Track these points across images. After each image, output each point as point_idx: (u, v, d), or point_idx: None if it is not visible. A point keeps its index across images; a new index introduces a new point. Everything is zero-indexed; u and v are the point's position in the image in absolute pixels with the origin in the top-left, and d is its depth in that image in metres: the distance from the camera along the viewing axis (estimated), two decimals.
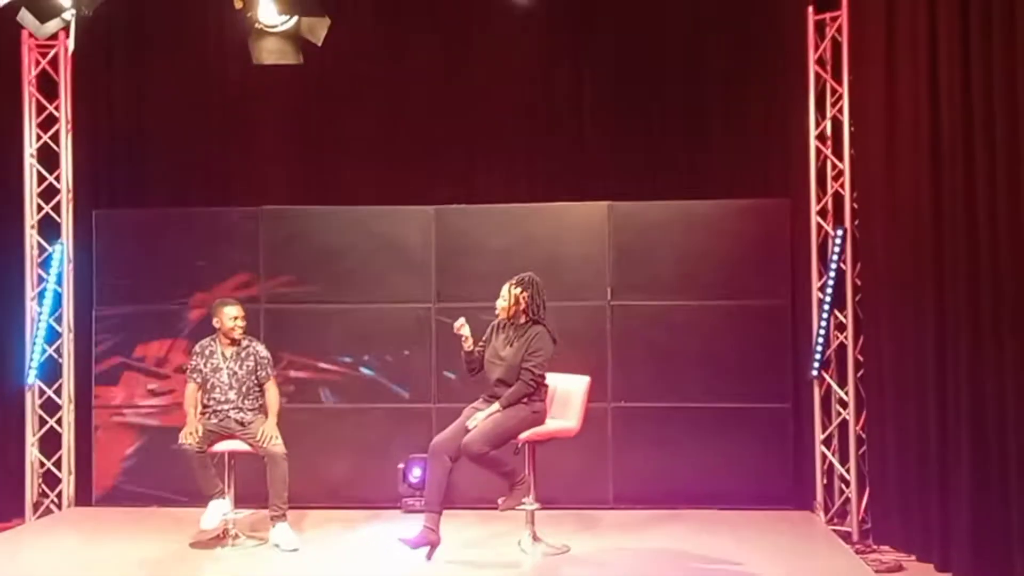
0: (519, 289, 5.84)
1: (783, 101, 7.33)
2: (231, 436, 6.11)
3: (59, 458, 7.18)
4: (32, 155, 7.20)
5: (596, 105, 7.65)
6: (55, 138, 7.22)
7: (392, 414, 7.18)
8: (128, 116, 7.70)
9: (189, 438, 5.95)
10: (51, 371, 7.23)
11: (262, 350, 6.35)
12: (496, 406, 5.71)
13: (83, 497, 7.25)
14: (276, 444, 6.01)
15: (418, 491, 6.72)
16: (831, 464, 6.79)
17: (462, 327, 5.89)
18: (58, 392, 7.21)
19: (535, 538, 5.90)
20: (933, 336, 5.78)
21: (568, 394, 6.03)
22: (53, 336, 7.21)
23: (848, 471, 6.64)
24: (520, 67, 7.68)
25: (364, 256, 7.24)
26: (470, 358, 5.94)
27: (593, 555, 5.83)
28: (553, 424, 5.92)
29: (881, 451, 6.35)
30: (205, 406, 6.16)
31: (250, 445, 6.09)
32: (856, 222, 6.67)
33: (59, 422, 7.19)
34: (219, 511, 6.00)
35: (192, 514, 6.62)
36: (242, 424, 6.12)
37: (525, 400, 5.75)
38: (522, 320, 5.84)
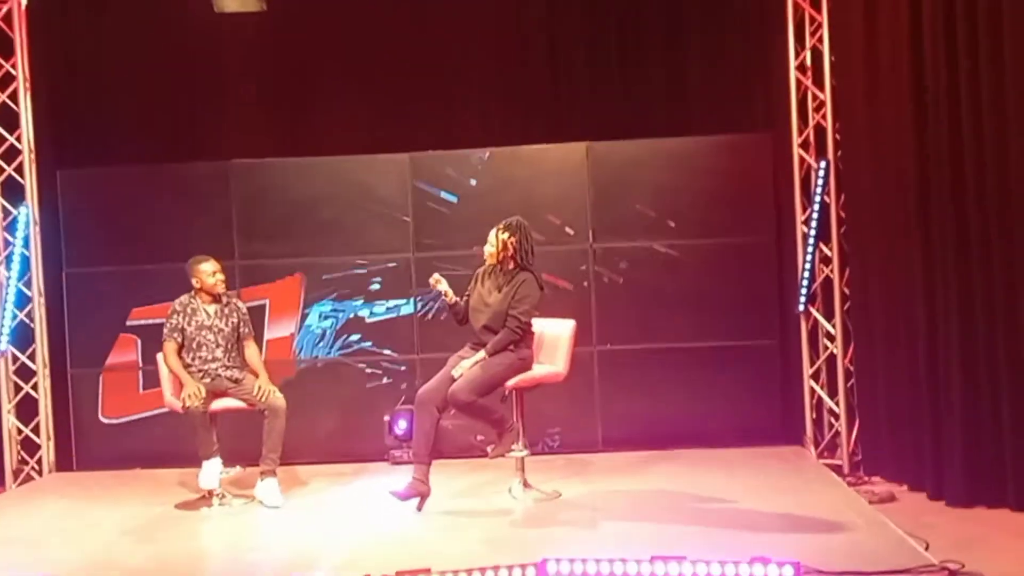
0: (507, 234, 5.72)
1: (761, 32, 7.20)
2: (224, 394, 5.99)
3: (37, 424, 7.04)
4: None
5: (569, 42, 7.51)
6: (13, 97, 6.98)
7: (376, 367, 7.07)
8: (88, 71, 7.50)
9: (193, 400, 5.80)
10: (23, 336, 7.06)
11: (242, 306, 6.25)
12: (482, 354, 5.62)
13: (64, 462, 7.13)
14: (278, 396, 5.94)
15: (404, 443, 6.66)
16: (820, 398, 6.77)
17: (438, 282, 5.78)
18: (32, 357, 7.06)
19: (526, 485, 5.85)
20: (920, 264, 5.74)
21: (554, 339, 5.94)
22: (23, 301, 7.04)
23: (837, 404, 6.61)
24: (490, 6, 7.49)
25: (339, 208, 7.09)
26: (455, 309, 5.84)
27: (585, 499, 5.79)
28: (540, 369, 5.84)
29: (870, 383, 6.33)
30: (189, 365, 6.02)
31: (244, 401, 5.99)
32: (839, 153, 6.58)
33: (35, 388, 7.04)
34: (216, 469, 5.91)
35: (177, 475, 6.57)
36: (234, 381, 6.02)
37: (511, 347, 5.65)
38: (510, 266, 5.72)
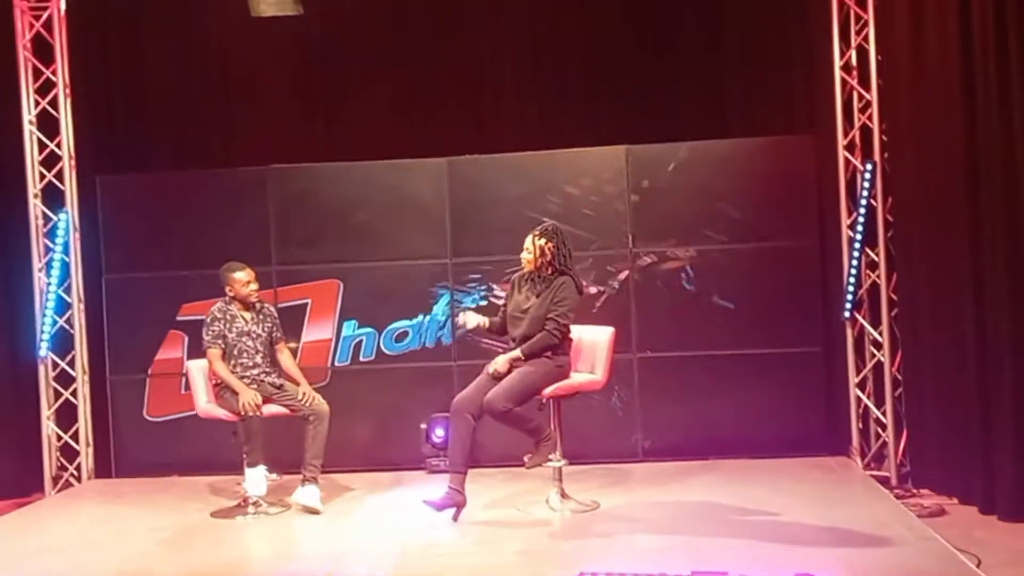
0: (543, 240, 5.64)
1: (805, 31, 7.05)
2: (268, 400, 5.97)
3: (76, 430, 7.06)
4: (31, 121, 7.00)
5: (608, 44, 7.42)
6: (54, 103, 7.01)
7: (412, 373, 7.01)
8: (127, 77, 7.54)
9: (251, 408, 5.77)
10: (63, 343, 7.09)
11: (273, 310, 6.26)
12: (518, 351, 5.52)
13: (102, 469, 7.15)
14: (322, 402, 5.94)
15: (442, 451, 6.59)
16: (866, 408, 6.59)
17: (465, 321, 5.73)
18: (72, 364, 7.08)
19: (563, 495, 5.75)
20: (970, 270, 5.57)
21: (592, 346, 5.84)
22: (63, 307, 7.07)
23: (884, 414, 6.44)
24: (527, 8, 7.44)
25: (376, 213, 7.04)
26: (492, 329, 5.79)
27: (624, 510, 5.67)
28: (578, 378, 5.74)
29: (918, 392, 6.15)
30: (231, 373, 5.98)
31: (287, 407, 5.96)
32: (886, 155, 6.41)
33: (74, 394, 7.07)
34: (264, 476, 5.89)
35: (214, 483, 6.56)
36: (277, 387, 6.00)
37: (548, 353, 5.56)
38: (548, 272, 5.64)
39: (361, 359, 7.04)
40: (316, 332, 7.05)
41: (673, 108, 7.30)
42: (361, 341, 7.04)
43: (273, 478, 6.15)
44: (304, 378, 6.11)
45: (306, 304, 7.06)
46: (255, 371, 6.00)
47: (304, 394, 5.95)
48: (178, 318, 7.04)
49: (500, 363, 5.53)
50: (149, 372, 7.09)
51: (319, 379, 6.84)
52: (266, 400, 5.96)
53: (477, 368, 5.80)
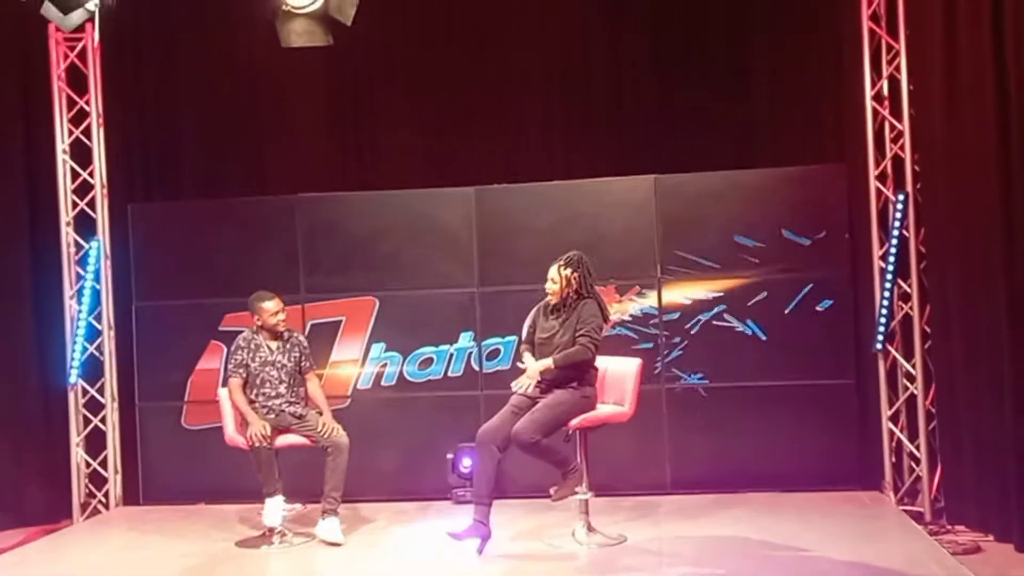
0: (568, 269, 5.63)
1: (835, 61, 7.00)
2: (287, 430, 5.96)
3: (105, 457, 7.09)
4: (64, 151, 7.09)
5: (635, 73, 7.39)
6: (87, 132, 7.09)
7: (438, 403, 6.99)
8: (159, 107, 7.60)
9: (259, 439, 5.77)
10: (93, 370, 7.13)
11: (303, 339, 6.23)
12: (549, 360, 5.47)
13: (131, 496, 7.16)
14: (341, 434, 5.90)
15: (468, 481, 6.54)
16: (899, 441, 6.48)
17: (523, 386, 5.61)
18: (101, 391, 7.12)
19: (590, 528, 5.68)
20: (1005, 302, 5.47)
21: (619, 377, 5.79)
22: (93, 334, 7.12)
23: (918, 448, 6.32)
24: (554, 37, 7.46)
25: (404, 241, 7.04)
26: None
27: (651, 544, 5.60)
28: (605, 409, 5.69)
29: (953, 426, 6.03)
30: (252, 402, 6.00)
31: (307, 438, 5.94)
32: (918, 186, 6.33)
33: (103, 421, 7.10)
34: (279, 507, 5.87)
35: (240, 511, 6.54)
36: (298, 417, 5.98)
37: (575, 384, 5.51)
38: (571, 300, 5.62)
39: (383, 384, 7.02)
40: (345, 351, 7.04)
41: (702, 137, 7.24)
42: (385, 365, 7.02)
43: (296, 508, 6.12)
44: (328, 407, 6.10)
45: (340, 321, 7.05)
46: (278, 401, 6.00)
47: (324, 424, 5.93)
48: (220, 328, 7.03)
49: (531, 372, 5.48)
50: (189, 382, 7.10)
51: (339, 402, 6.82)
52: (286, 430, 5.94)
53: (503, 398, 5.75)
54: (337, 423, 5.99)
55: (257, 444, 5.77)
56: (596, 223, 6.87)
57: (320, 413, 6.05)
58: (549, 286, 5.67)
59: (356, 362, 7.04)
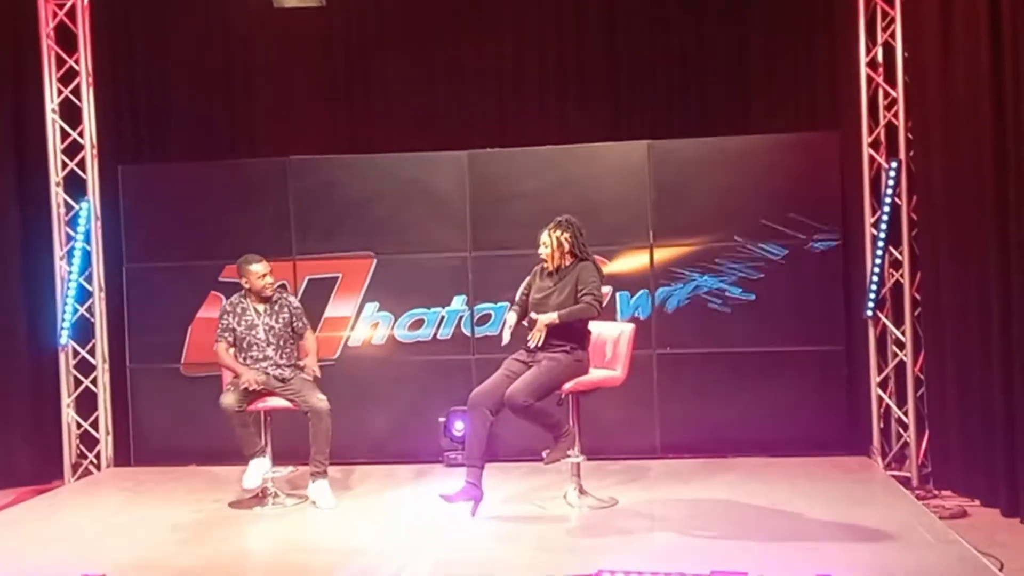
0: (559, 231, 5.63)
1: (830, 26, 7.00)
2: (270, 394, 5.96)
3: (96, 419, 7.09)
4: (54, 110, 7.01)
5: (630, 39, 7.37)
6: (76, 92, 7.02)
7: (430, 366, 7.00)
8: (149, 66, 7.55)
9: (253, 384, 5.78)
10: (84, 331, 7.11)
11: (294, 300, 6.22)
12: (554, 315, 5.47)
13: (121, 457, 7.17)
14: (320, 400, 5.87)
15: (460, 444, 6.56)
16: (888, 407, 6.54)
17: (506, 320, 5.70)
18: (92, 352, 7.10)
19: (581, 491, 5.72)
20: (996, 271, 5.50)
21: (612, 342, 5.81)
22: (84, 295, 7.09)
23: (906, 414, 6.38)
24: (550, 1, 7.38)
25: (396, 205, 7.02)
26: (520, 318, 5.73)
27: (642, 507, 5.64)
28: (598, 373, 5.71)
29: (941, 393, 6.10)
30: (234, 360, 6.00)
31: (291, 401, 5.95)
32: (911, 153, 6.35)
33: (94, 382, 7.09)
34: (260, 470, 5.88)
35: (231, 472, 6.54)
36: (282, 380, 5.97)
37: (568, 348, 5.53)
38: (567, 262, 5.62)
39: (373, 343, 7.02)
40: (339, 309, 7.03)
41: (697, 103, 7.25)
42: (377, 324, 7.02)
43: (286, 471, 6.14)
44: (316, 358, 6.08)
45: (337, 278, 7.04)
46: (264, 363, 5.98)
47: (306, 366, 5.94)
48: (220, 279, 7.00)
49: (539, 324, 5.46)
50: (189, 331, 7.08)
51: (329, 358, 6.81)
52: (269, 393, 5.94)
53: (495, 361, 5.77)
54: (317, 389, 5.93)
55: (252, 387, 5.78)
56: (589, 188, 6.86)
57: (303, 369, 6.02)
58: (542, 250, 5.67)
59: (348, 320, 7.03)
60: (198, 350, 7.01)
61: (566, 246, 5.62)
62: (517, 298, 5.88)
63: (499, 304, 6.89)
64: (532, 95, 7.46)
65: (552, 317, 5.48)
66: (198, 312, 7.09)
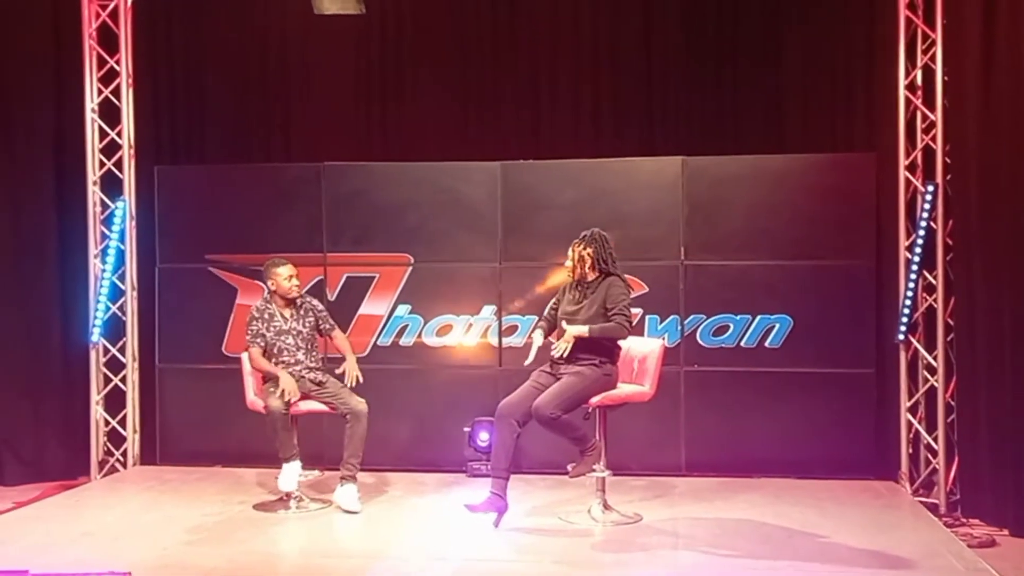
0: (582, 246, 5.62)
1: (869, 49, 6.95)
2: (307, 397, 5.98)
3: (124, 416, 7.13)
4: (93, 110, 7.09)
5: (666, 54, 7.35)
6: (116, 92, 7.09)
7: (456, 375, 7.00)
8: (188, 70, 7.61)
9: (291, 394, 5.81)
10: (115, 329, 7.17)
11: (317, 304, 6.24)
12: (585, 328, 5.45)
13: (148, 455, 7.21)
14: (360, 402, 5.91)
15: (484, 455, 6.56)
16: (917, 433, 6.48)
17: (534, 340, 5.66)
18: (122, 350, 7.16)
19: (606, 506, 5.70)
20: None
21: (641, 357, 5.79)
22: (116, 294, 7.15)
23: (936, 440, 6.31)
24: (586, 16, 7.42)
25: (428, 213, 7.04)
26: (547, 335, 5.71)
27: (667, 524, 5.61)
28: (626, 388, 5.69)
29: (972, 419, 6.02)
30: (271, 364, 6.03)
31: (327, 404, 5.96)
32: (948, 177, 6.29)
33: (123, 380, 7.14)
34: (295, 472, 5.89)
35: (256, 475, 6.58)
36: (317, 384, 5.99)
37: (597, 361, 5.51)
38: (591, 277, 5.61)
39: (401, 343, 7.03)
40: (373, 307, 7.03)
41: (732, 121, 7.22)
42: (406, 326, 7.03)
43: (312, 475, 6.15)
44: (354, 357, 6.08)
45: (373, 278, 7.05)
46: (297, 368, 6.01)
47: (347, 372, 5.94)
48: (256, 268, 6.89)
49: (568, 336, 5.44)
50: (231, 317, 7.09)
51: (360, 350, 6.81)
52: (305, 396, 5.97)
53: (522, 373, 5.77)
54: (359, 370, 5.97)
55: (288, 398, 5.80)
56: (621, 202, 6.85)
57: (342, 378, 6.02)
58: (567, 263, 5.68)
59: (380, 319, 7.02)
60: (236, 340, 6.97)
61: (588, 261, 5.60)
62: (545, 313, 5.87)
63: (526, 316, 6.88)
64: (567, 108, 7.45)
65: (582, 330, 5.46)
66: (237, 299, 7.10)
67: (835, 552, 5.08)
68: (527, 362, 5.62)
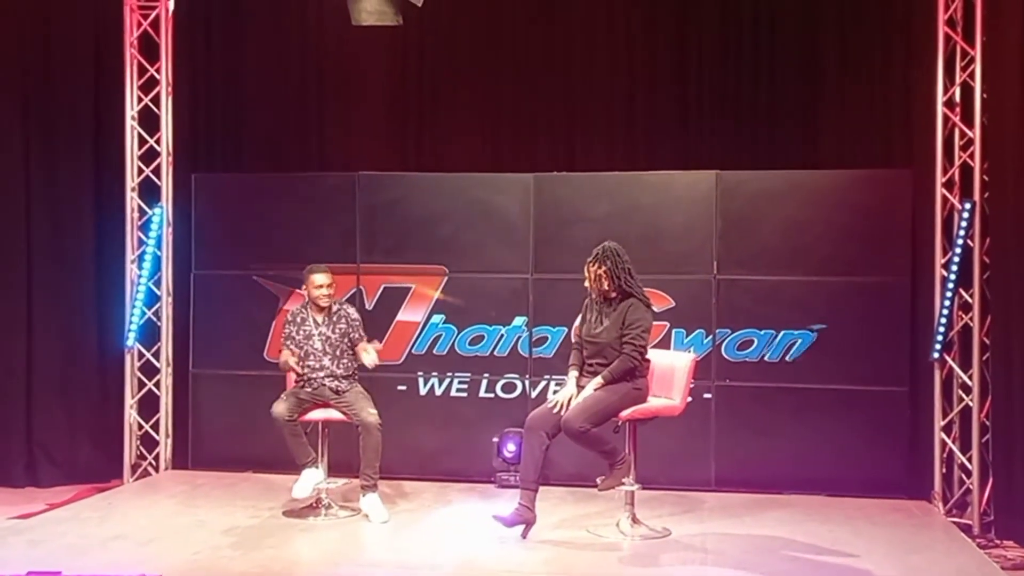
0: (596, 265, 5.58)
1: (907, 64, 6.91)
2: (324, 405, 6.01)
3: (157, 421, 7.21)
4: (133, 117, 7.19)
5: (702, 68, 7.33)
6: (156, 100, 7.19)
7: (485, 384, 7.01)
8: (227, 79, 7.68)
9: (282, 368, 5.99)
10: (150, 334, 7.25)
11: (352, 312, 6.25)
12: (598, 380, 5.48)
13: (180, 460, 7.27)
14: (371, 414, 5.91)
15: (512, 466, 6.56)
16: (951, 452, 6.41)
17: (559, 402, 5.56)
18: (157, 355, 7.23)
19: (635, 520, 5.68)
20: None
21: (671, 371, 5.77)
22: (152, 299, 7.23)
23: (970, 460, 6.24)
24: (621, 29, 7.43)
25: (461, 224, 7.06)
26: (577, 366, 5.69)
27: (695, 540, 5.58)
28: (656, 402, 5.67)
29: (1007, 440, 5.95)
30: (298, 375, 6.07)
31: (344, 414, 6.00)
32: (986, 195, 6.23)
33: (157, 385, 7.22)
34: (312, 480, 5.92)
35: (287, 481, 6.59)
36: (336, 392, 6.02)
37: (628, 376, 5.50)
38: (612, 295, 5.58)
39: (435, 352, 7.05)
40: (409, 315, 7.07)
41: (767, 136, 7.19)
42: (440, 336, 7.05)
43: (340, 483, 6.17)
44: (375, 352, 6.06)
45: (410, 288, 7.09)
46: (320, 374, 6.05)
47: (365, 350, 6.00)
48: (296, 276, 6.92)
49: (566, 396, 5.48)
50: (274, 322, 7.13)
51: (395, 358, 6.90)
52: (324, 404, 6.00)
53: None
54: (370, 403, 5.96)
55: (282, 370, 5.88)
56: (655, 215, 6.85)
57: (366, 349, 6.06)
58: (585, 284, 5.66)
59: (417, 325, 7.06)
60: (277, 345, 6.97)
61: (605, 280, 5.55)
62: (573, 340, 5.81)
63: (556, 328, 6.87)
64: (601, 121, 7.45)
65: (596, 382, 5.45)
66: (283, 304, 7.15)
67: (866, 571, 5.03)
68: (555, 411, 5.49)
